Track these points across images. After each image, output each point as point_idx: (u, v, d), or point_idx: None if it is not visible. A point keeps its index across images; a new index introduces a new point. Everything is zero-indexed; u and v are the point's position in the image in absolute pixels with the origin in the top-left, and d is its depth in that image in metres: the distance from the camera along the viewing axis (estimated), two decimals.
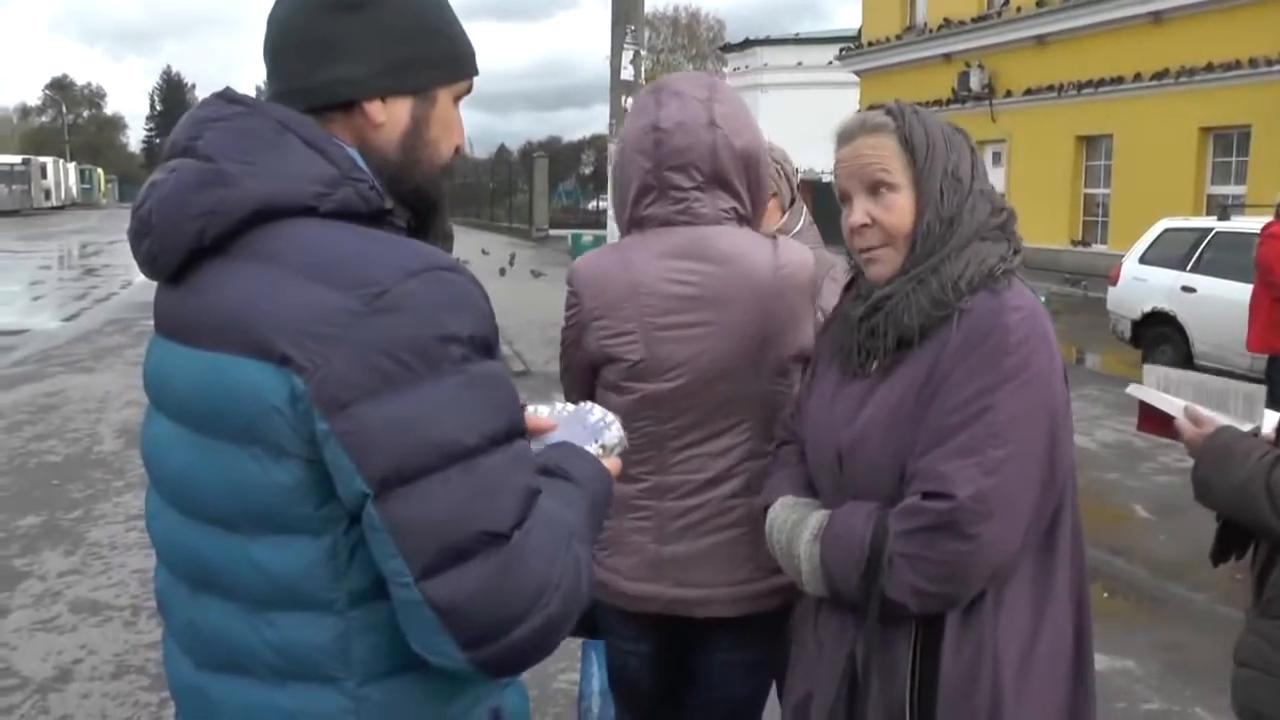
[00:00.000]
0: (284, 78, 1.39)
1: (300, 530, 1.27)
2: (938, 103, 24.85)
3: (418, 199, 1.44)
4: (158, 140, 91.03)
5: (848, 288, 1.98)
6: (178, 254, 1.32)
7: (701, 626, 2.36)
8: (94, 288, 20.94)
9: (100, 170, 76.99)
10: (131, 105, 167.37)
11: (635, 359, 2.22)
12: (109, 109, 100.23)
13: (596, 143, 41.24)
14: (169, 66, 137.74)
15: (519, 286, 18.68)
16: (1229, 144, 19.45)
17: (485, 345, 1.27)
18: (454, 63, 1.46)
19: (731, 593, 2.30)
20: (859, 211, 1.84)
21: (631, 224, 2.32)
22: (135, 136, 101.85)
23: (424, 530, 1.19)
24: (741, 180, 2.26)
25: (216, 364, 1.27)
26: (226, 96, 1.39)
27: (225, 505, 1.30)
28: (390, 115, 1.39)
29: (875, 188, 1.83)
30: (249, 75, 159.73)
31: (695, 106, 2.24)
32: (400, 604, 1.23)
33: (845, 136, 1.89)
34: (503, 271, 21.09)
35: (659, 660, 2.47)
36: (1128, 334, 12.18)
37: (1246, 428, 2.23)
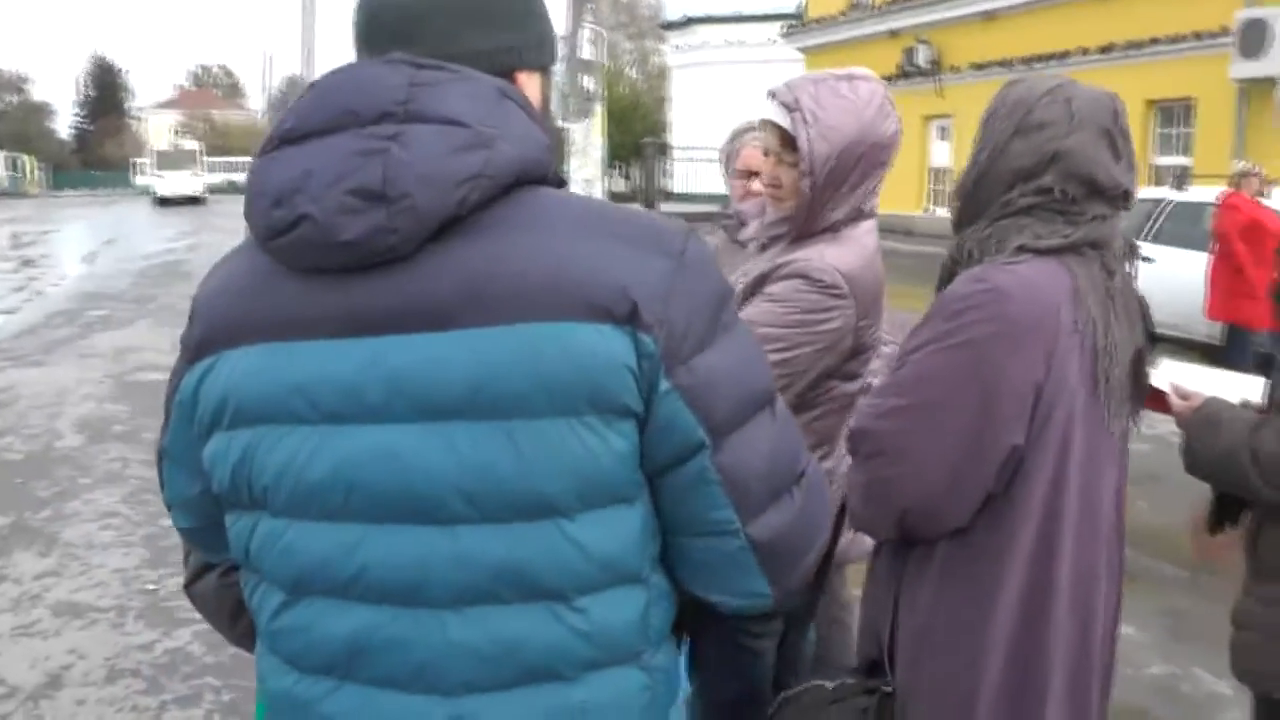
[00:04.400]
0: (431, 41, 1.29)
1: (627, 498, 1.25)
2: (886, 79, 24.88)
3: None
4: (90, 126, 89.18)
5: None
6: (429, 226, 1.18)
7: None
8: (33, 279, 20.43)
9: (30, 158, 75.17)
10: (58, 92, 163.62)
11: (872, 345, 2.43)
12: (35, 95, 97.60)
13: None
14: (96, 51, 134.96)
15: None
16: (1172, 116, 19.73)
17: None
18: (556, 43, 1.47)
19: None
20: None
21: (846, 220, 2.37)
22: (64, 123, 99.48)
23: (752, 475, 1.26)
24: None
25: (540, 335, 1.17)
26: (406, 60, 1.25)
27: (541, 490, 1.20)
28: (531, 89, 1.37)
29: None
30: (180, 61, 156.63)
31: None
32: (716, 554, 1.30)
33: None
34: None
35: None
36: None
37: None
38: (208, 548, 1.48)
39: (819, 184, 2.30)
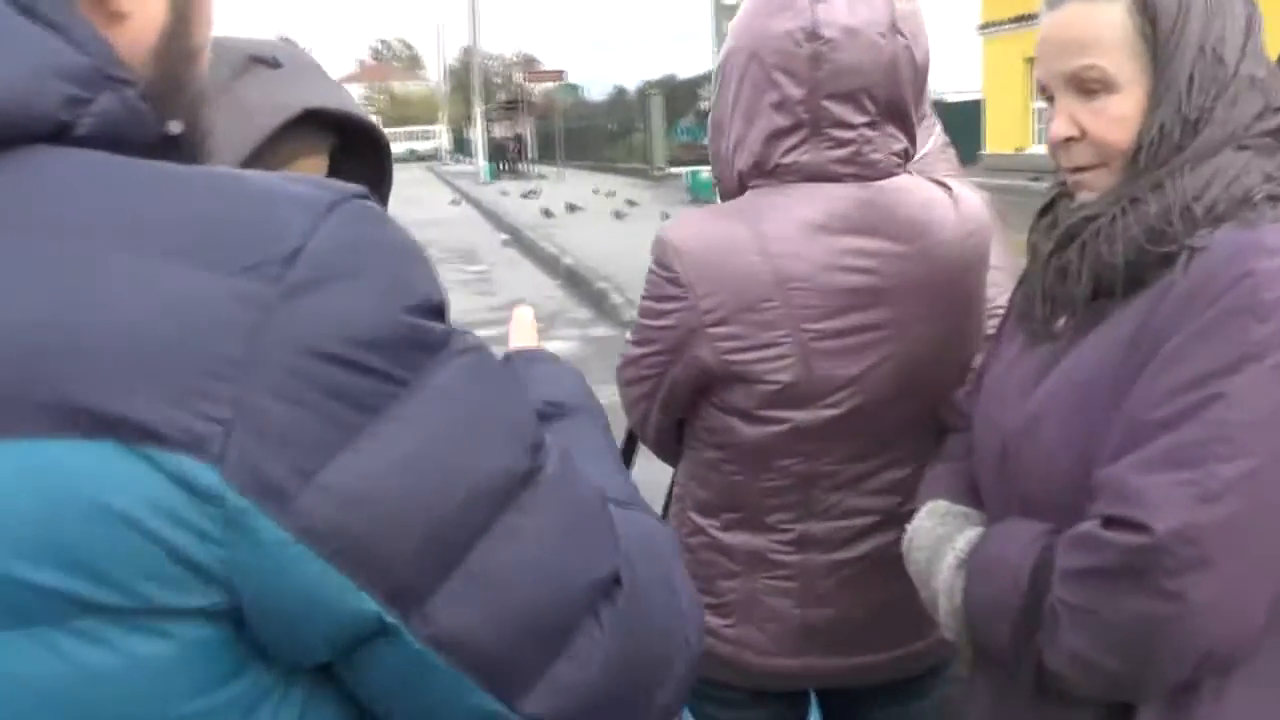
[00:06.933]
0: None
1: None
2: None
3: (182, 137, 0.82)
4: None
5: (1043, 212, 1.40)
6: None
7: (847, 697, 1.83)
8: None
9: None
10: None
11: (785, 381, 1.59)
12: None
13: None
14: (281, 32, 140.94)
15: (631, 229, 18.22)
16: None
17: (445, 311, 0.78)
18: None
19: (904, 653, 1.75)
20: (1063, 119, 1.30)
21: (755, 175, 1.63)
22: None
23: (503, 629, 0.73)
24: (915, 108, 1.63)
25: None
26: None
27: None
28: (140, 3, 0.79)
29: (1085, 85, 1.28)
30: (361, 36, 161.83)
31: (872, 2, 1.57)
32: None
33: (1052, 1, 1.32)
34: (619, 215, 20.10)
35: None
36: None
37: None
38: None
39: (714, 115, 1.68)
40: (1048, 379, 1.30)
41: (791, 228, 1.57)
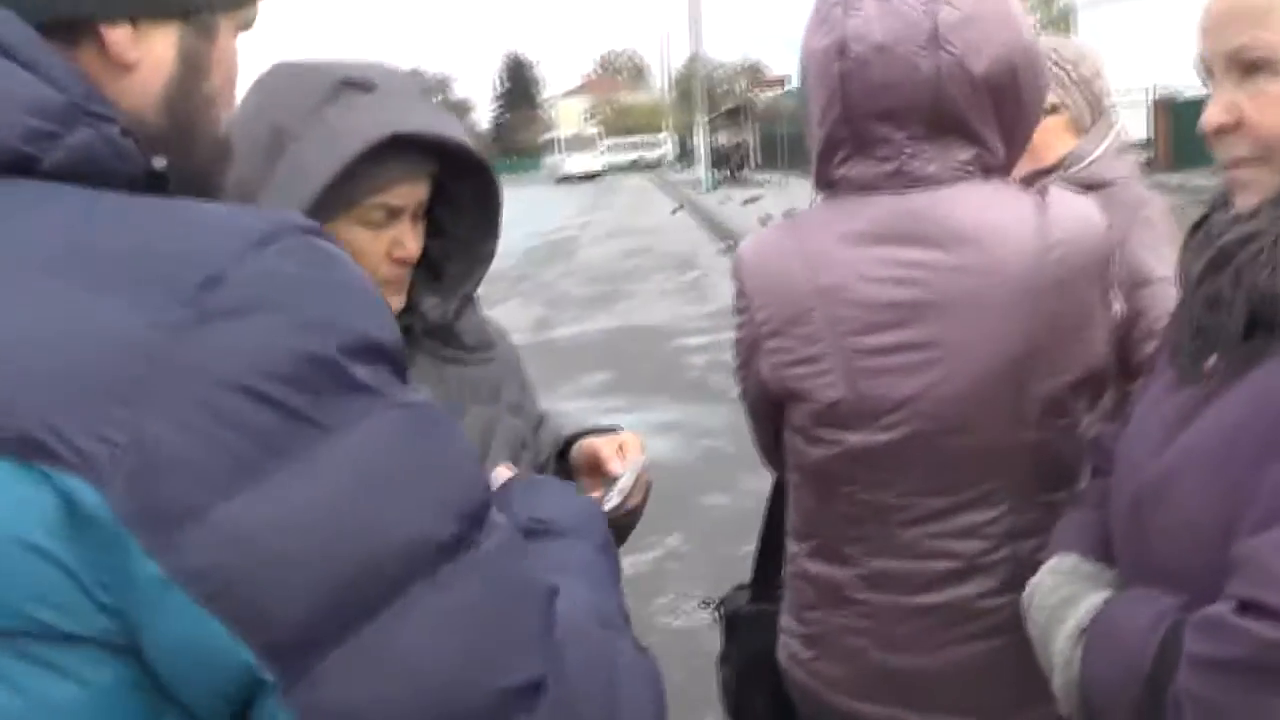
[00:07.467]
0: None
1: None
2: None
3: (188, 190, 0.82)
4: (506, 117, 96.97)
5: (1197, 226, 1.22)
6: None
7: None
8: None
9: None
10: (477, 89, 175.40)
11: (831, 398, 1.53)
12: (457, 94, 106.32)
13: None
14: (509, 48, 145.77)
15: None
16: None
17: (402, 361, 0.75)
18: None
19: None
20: (1218, 103, 1.11)
21: (820, 187, 1.61)
22: (483, 116, 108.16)
23: (395, 714, 0.67)
24: (987, 118, 1.49)
25: None
26: None
27: None
28: (146, 52, 0.82)
29: (1247, 64, 1.09)
30: (587, 49, 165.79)
31: (907, 14, 1.44)
32: None
33: None
34: None
35: None
36: None
37: None
38: None
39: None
40: (1190, 427, 1.11)
41: (831, 238, 1.54)
